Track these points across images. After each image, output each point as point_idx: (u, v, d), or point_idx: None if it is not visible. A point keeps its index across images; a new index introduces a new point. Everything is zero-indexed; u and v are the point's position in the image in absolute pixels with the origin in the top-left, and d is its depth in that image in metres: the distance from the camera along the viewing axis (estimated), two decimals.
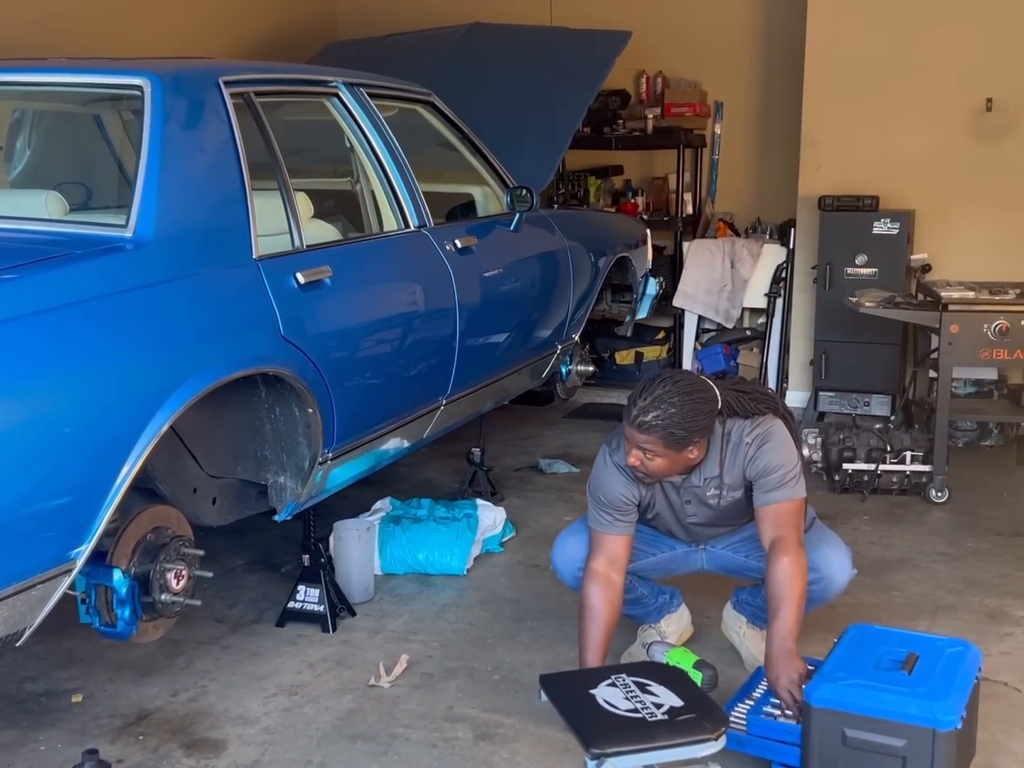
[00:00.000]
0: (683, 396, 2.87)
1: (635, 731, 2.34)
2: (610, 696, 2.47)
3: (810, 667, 2.98)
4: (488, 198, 4.64)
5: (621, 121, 6.94)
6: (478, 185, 4.67)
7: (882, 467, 4.87)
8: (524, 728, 3.00)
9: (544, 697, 2.53)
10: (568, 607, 3.65)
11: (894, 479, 4.88)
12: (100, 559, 2.67)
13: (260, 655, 3.44)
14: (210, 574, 2.98)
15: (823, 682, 2.61)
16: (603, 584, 3.04)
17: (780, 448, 3.01)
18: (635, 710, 2.41)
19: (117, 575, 2.69)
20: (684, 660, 2.90)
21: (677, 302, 6.63)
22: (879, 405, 5.85)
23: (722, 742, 2.36)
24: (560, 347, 5.01)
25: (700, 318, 6.65)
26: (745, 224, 7.03)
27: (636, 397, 2.89)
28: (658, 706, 2.42)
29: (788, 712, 2.76)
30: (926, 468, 4.83)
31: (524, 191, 4.45)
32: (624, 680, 2.53)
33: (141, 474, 2.68)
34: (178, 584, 2.84)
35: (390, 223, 3.90)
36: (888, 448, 4.89)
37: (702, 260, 6.55)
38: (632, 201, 7.14)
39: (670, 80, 7.03)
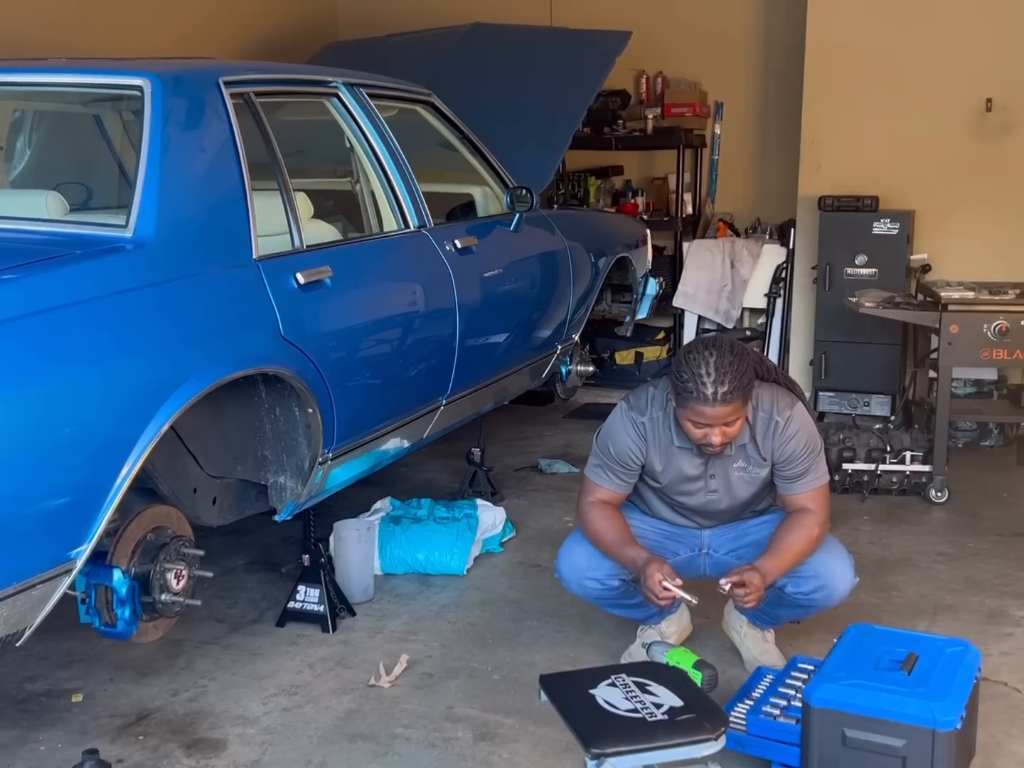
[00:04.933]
0: (729, 352, 2.88)
1: (635, 731, 2.34)
2: (610, 696, 2.47)
3: (809, 666, 2.99)
4: (488, 198, 4.64)
5: (621, 121, 6.94)
6: (478, 185, 4.67)
7: (882, 467, 4.87)
8: (524, 728, 3.01)
9: (544, 697, 2.53)
10: (568, 607, 3.65)
11: (894, 479, 4.88)
12: (100, 559, 2.67)
13: (260, 655, 3.44)
14: (210, 574, 2.98)
15: (823, 682, 2.61)
16: (603, 507, 3.14)
17: (807, 432, 3.07)
18: (635, 710, 2.41)
19: (117, 575, 2.69)
20: (684, 660, 2.90)
21: (677, 302, 6.64)
22: (879, 405, 5.85)
23: (722, 742, 2.36)
24: (560, 347, 5.01)
25: (700, 318, 6.65)
26: (745, 224, 7.02)
27: (695, 380, 2.84)
28: (658, 706, 2.42)
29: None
30: (926, 468, 4.83)
31: (524, 191, 4.45)
32: (624, 680, 2.53)
33: (141, 474, 2.68)
34: (178, 584, 2.84)
35: (390, 223, 3.90)
36: (888, 448, 4.88)
37: (702, 260, 6.55)
38: (632, 201, 7.14)
39: (670, 80, 7.03)
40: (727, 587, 2.93)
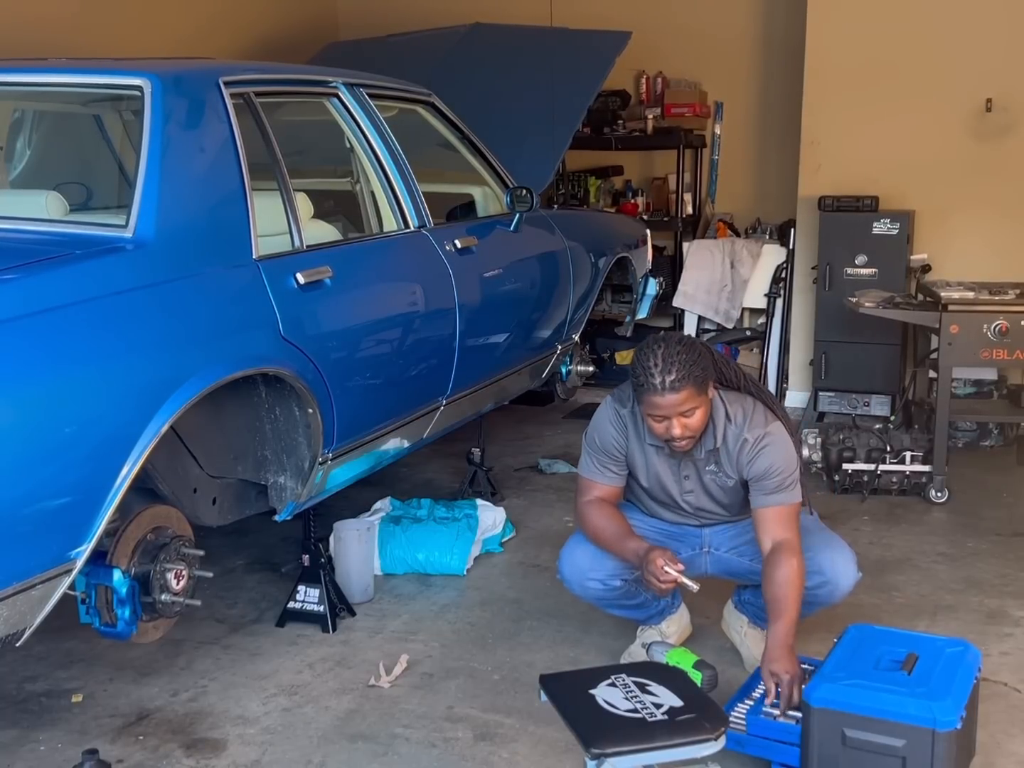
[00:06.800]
0: (678, 343, 2.96)
1: (635, 731, 2.34)
2: (610, 696, 2.47)
3: (809, 667, 2.99)
4: (488, 198, 4.64)
5: (621, 121, 6.95)
6: (478, 185, 4.67)
7: (882, 467, 4.87)
8: (524, 728, 3.01)
9: (544, 697, 2.53)
10: (568, 607, 3.65)
11: (894, 479, 4.88)
12: (100, 559, 2.67)
13: (260, 655, 3.44)
14: (210, 574, 2.98)
15: (823, 682, 2.61)
16: (600, 503, 3.17)
17: (780, 451, 3.06)
18: (635, 710, 2.41)
19: (117, 575, 2.69)
20: (684, 660, 2.90)
21: (677, 302, 6.64)
22: (879, 405, 5.85)
23: (722, 742, 2.36)
24: (560, 347, 5.01)
25: (700, 318, 6.65)
26: (745, 224, 7.03)
27: (644, 374, 2.92)
28: (658, 706, 2.42)
29: (772, 708, 2.79)
30: (926, 468, 4.83)
31: (524, 191, 4.44)
32: (624, 680, 2.53)
33: (141, 474, 2.68)
34: (178, 584, 2.84)
35: (390, 223, 3.90)
36: (888, 448, 4.88)
37: (702, 260, 6.55)
38: (632, 201, 7.14)
39: (670, 80, 7.03)
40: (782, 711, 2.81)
